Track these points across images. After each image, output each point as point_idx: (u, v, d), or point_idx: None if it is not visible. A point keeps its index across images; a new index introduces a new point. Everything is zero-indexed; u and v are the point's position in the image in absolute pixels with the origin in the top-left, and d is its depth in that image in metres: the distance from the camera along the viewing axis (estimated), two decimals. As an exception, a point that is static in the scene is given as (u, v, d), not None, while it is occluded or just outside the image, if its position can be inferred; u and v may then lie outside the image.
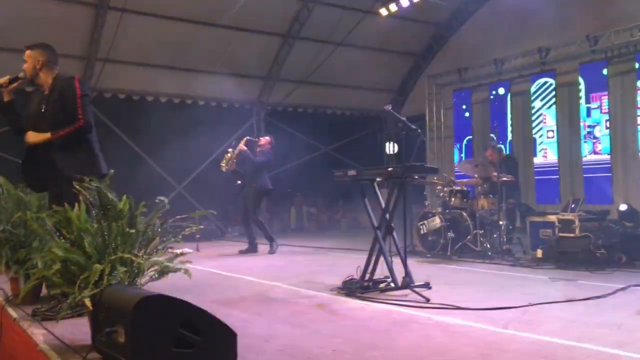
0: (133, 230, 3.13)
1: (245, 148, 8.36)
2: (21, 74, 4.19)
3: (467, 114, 12.06)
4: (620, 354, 2.89)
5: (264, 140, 8.73)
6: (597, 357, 2.86)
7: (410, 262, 5.11)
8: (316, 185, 12.78)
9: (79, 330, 3.35)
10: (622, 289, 4.74)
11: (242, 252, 8.26)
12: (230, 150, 8.53)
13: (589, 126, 9.82)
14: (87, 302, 2.80)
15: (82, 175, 3.34)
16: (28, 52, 4.22)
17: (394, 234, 5.08)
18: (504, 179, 7.61)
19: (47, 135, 4.00)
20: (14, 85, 4.14)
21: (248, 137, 8.67)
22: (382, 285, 4.93)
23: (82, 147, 4.11)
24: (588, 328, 3.49)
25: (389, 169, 5.03)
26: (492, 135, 10.22)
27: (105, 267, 2.94)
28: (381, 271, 5.01)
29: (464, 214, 7.65)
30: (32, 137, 4.05)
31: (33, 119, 4.13)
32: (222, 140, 10.99)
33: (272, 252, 8.17)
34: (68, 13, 9.72)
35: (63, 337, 3.29)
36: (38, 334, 3.46)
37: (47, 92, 4.16)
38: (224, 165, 8.44)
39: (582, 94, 9.86)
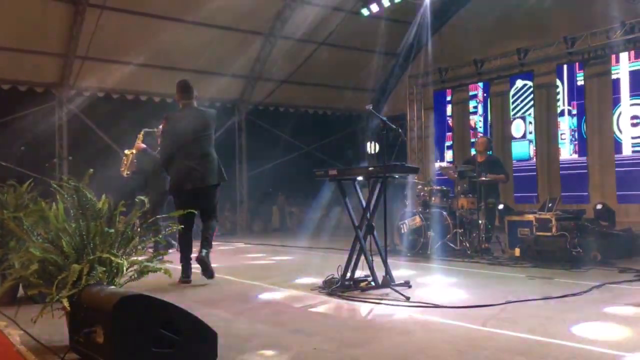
0: (112, 230, 3.11)
1: (143, 146, 7.46)
2: None
3: (447, 114, 12.17)
4: (593, 350, 2.95)
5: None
6: (572, 353, 2.92)
7: (391, 261, 5.14)
8: (298, 184, 12.80)
9: (56, 330, 3.32)
10: (597, 286, 4.83)
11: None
12: (126, 151, 7.65)
13: (566, 126, 9.98)
14: (65, 303, 2.78)
15: None
16: None
17: (375, 233, 5.11)
18: (489, 177, 7.66)
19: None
20: None
21: (145, 129, 7.57)
22: (362, 284, 4.95)
23: None
24: (564, 325, 3.55)
25: (370, 169, 5.06)
26: (480, 135, 10.37)
27: (83, 267, 2.92)
28: (362, 270, 5.04)
29: (444, 213, 7.72)
30: None
31: None
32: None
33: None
34: (47, 10, 9.59)
35: (40, 338, 3.26)
36: (15, 334, 3.42)
37: None
38: (123, 170, 7.57)
39: (560, 95, 10.02)
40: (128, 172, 7.55)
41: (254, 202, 13.27)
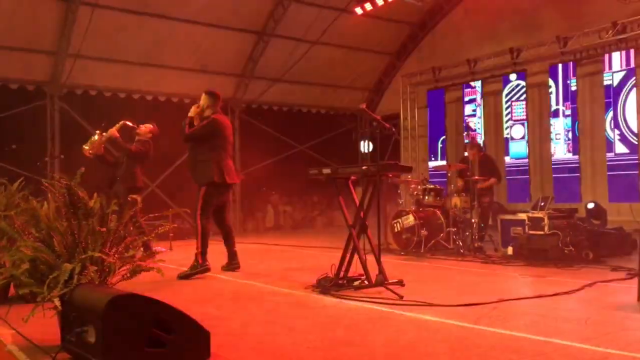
0: (104, 229, 3.10)
1: (117, 134, 7.11)
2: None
3: (441, 113, 12.19)
4: (585, 348, 2.97)
5: (145, 128, 7.35)
6: (563, 351, 2.93)
7: (384, 259, 5.15)
8: (291, 183, 12.79)
9: (48, 330, 3.30)
10: (589, 285, 4.86)
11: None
12: (97, 132, 7.16)
13: (558, 126, 10.03)
14: (57, 302, 2.77)
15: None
16: (203, 96, 6.20)
17: (368, 232, 5.12)
18: (485, 184, 7.69)
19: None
20: None
21: (125, 122, 7.31)
22: (356, 282, 4.95)
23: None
24: (556, 323, 3.57)
25: (363, 167, 5.07)
26: (474, 135, 10.38)
27: (75, 266, 2.91)
28: (356, 269, 5.04)
29: (437, 212, 7.74)
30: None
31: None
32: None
33: None
34: (38, 8, 9.53)
35: (32, 338, 3.24)
36: (6, 334, 3.40)
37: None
38: (87, 148, 7.06)
39: (553, 95, 10.06)
40: (91, 152, 7.06)
41: (247, 201, 13.24)
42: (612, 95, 9.29)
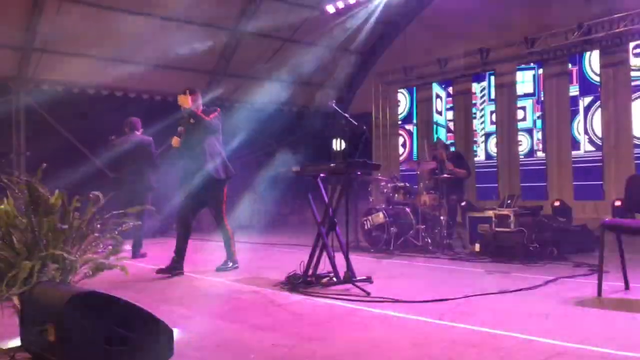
0: (65, 226, 3.05)
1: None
2: (180, 128, 5.98)
3: (412, 112, 12.32)
4: (545, 342, 3.04)
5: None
6: (523, 345, 3.00)
7: (354, 257, 5.19)
8: (264, 181, 12.74)
9: (7, 329, 3.23)
10: (552, 280, 4.97)
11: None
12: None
13: (525, 125, 10.22)
14: (15, 300, 2.72)
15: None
16: (180, 96, 5.88)
17: (337, 229, 5.14)
18: (455, 170, 7.86)
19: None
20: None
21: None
22: (324, 280, 4.98)
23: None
24: (518, 318, 3.65)
25: (331, 165, 5.09)
26: (437, 136, 10.49)
27: (35, 264, 2.86)
28: (325, 266, 5.06)
29: (407, 209, 7.81)
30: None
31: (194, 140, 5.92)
32: (166, 135, 10.73)
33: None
34: (4, 1, 9.29)
35: (-9, 337, 3.17)
36: (-36, 333, 3.31)
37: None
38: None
39: (520, 84, 10.25)
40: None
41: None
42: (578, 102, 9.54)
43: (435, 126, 11.76)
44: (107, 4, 9.98)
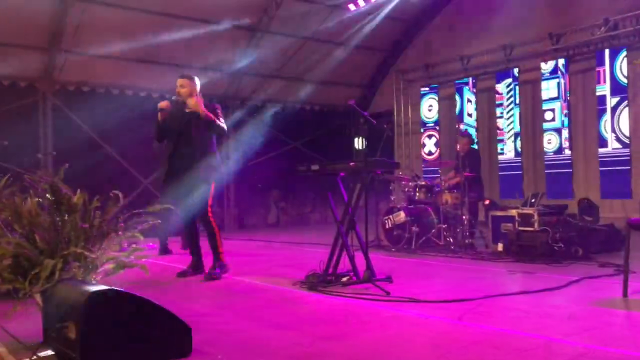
0: (87, 225, 3.10)
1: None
2: (174, 97, 5.61)
3: (434, 110, 12.20)
4: (567, 343, 2.98)
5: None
6: (544, 347, 2.95)
7: (375, 256, 5.17)
8: (286, 180, 12.79)
9: (32, 326, 3.30)
10: (576, 280, 4.88)
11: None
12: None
13: (554, 125, 10.04)
14: (38, 298, 2.77)
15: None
16: (186, 81, 5.63)
17: (357, 228, 5.13)
18: (452, 181, 7.84)
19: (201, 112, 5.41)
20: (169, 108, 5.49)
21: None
22: (344, 279, 4.97)
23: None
24: (539, 319, 3.59)
25: (351, 164, 5.07)
26: (461, 127, 10.37)
27: (57, 261, 2.91)
28: (345, 265, 5.05)
29: (429, 208, 7.75)
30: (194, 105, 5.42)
31: (184, 131, 5.51)
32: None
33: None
34: (30, 3, 9.48)
35: (17, 333, 3.23)
36: (-9, 330, 3.39)
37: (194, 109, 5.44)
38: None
39: (545, 91, 10.07)
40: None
41: (244, 198, 13.22)
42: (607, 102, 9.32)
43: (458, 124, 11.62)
44: (130, 5, 10.11)
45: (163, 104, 5.55)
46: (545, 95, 10.08)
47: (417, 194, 7.97)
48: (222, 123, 5.63)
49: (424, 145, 12.32)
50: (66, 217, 3.06)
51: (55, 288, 2.82)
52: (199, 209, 5.57)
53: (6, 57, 9.90)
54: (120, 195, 3.27)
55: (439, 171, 8.81)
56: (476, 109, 11.37)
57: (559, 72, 9.84)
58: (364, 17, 11.61)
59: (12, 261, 2.96)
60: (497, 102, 10.95)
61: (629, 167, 9.13)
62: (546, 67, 10.03)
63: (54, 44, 10.12)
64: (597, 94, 9.38)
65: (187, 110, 5.54)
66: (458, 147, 8.21)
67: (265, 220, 13.80)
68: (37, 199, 3.10)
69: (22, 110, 10.45)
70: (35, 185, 3.15)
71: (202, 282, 5.36)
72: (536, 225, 6.57)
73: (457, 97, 11.53)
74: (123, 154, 11.21)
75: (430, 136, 12.30)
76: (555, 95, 9.92)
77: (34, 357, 2.74)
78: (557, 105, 9.94)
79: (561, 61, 9.83)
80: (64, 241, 3.03)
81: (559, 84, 9.85)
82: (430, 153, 12.20)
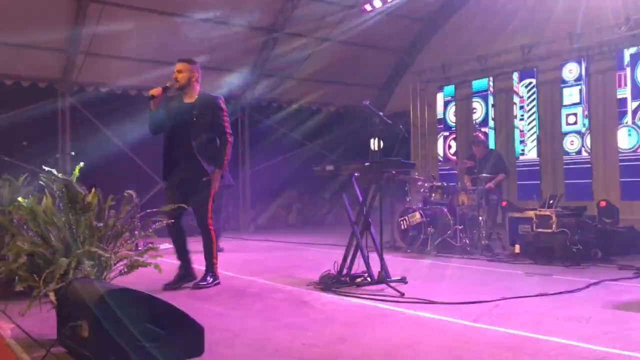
0: (101, 224, 3.11)
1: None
2: (169, 83, 4.89)
3: (451, 110, 12.09)
4: (584, 347, 2.92)
5: None
6: (561, 350, 2.89)
7: (390, 257, 5.13)
8: (301, 181, 12.79)
9: (47, 324, 3.32)
10: (595, 283, 4.79)
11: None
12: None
13: (570, 123, 9.89)
14: (52, 296, 2.79)
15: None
16: (186, 65, 4.96)
17: (372, 228, 5.09)
18: (490, 184, 7.63)
19: (220, 171, 4.93)
20: (162, 96, 4.83)
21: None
22: (358, 280, 4.94)
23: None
24: (556, 322, 3.52)
25: (365, 164, 5.04)
26: (478, 132, 10.27)
27: (71, 260, 2.92)
28: (359, 266, 5.02)
29: (445, 209, 7.68)
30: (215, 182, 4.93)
31: (181, 125, 4.91)
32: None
33: None
34: (48, 5, 9.60)
35: (31, 332, 3.26)
36: (6, 328, 3.43)
37: (193, 101, 4.94)
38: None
39: (568, 97, 9.91)
40: None
41: (260, 199, 13.25)
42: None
43: (474, 126, 11.51)
44: (148, 6, 10.20)
45: (154, 90, 4.80)
46: (568, 100, 9.91)
47: (433, 194, 7.91)
48: (227, 128, 5.01)
49: (449, 147, 12.17)
50: (81, 216, 3.07)
51: (69, 287, 2.84)
52: (197, 215, 5.03)
53: (26, 59, 10.06)
54: (134, 194, 3.28)
55: (456, 172, 8.73)
56: (494, 109, 11.24)
57: (582, 79, 9.68)
58: (379, 17, 11.56)
59: (28, 260, 2.98)
60: (515, 103, 10.81)
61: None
62: (570, 75, 9.85)
63: (73, 46, 10.24)
64: (618, 96, 9.20)
65: (185, 101, 4.96)
66: (474, 150, 8.10)
67: (281, 221, 13.81)
68: (52, 198, 3.12)
69: (41, 111, 10.59)
70: (50, 185, 3.17)
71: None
72: (554, 226, 6.48)
73: (482, 103, 11.40)
74: (140, 154, 11.30)
75: (446, 137, 12.20)
76: (578, 100, 9.77)
77: (48, 354, 2.75)
78: (579, 110, 9.80)
79: (584, 65, 9.66)
80: (79, 240, 3.04)
81: (581, 90, 9.70)
82: (446, 154, 12.10)
